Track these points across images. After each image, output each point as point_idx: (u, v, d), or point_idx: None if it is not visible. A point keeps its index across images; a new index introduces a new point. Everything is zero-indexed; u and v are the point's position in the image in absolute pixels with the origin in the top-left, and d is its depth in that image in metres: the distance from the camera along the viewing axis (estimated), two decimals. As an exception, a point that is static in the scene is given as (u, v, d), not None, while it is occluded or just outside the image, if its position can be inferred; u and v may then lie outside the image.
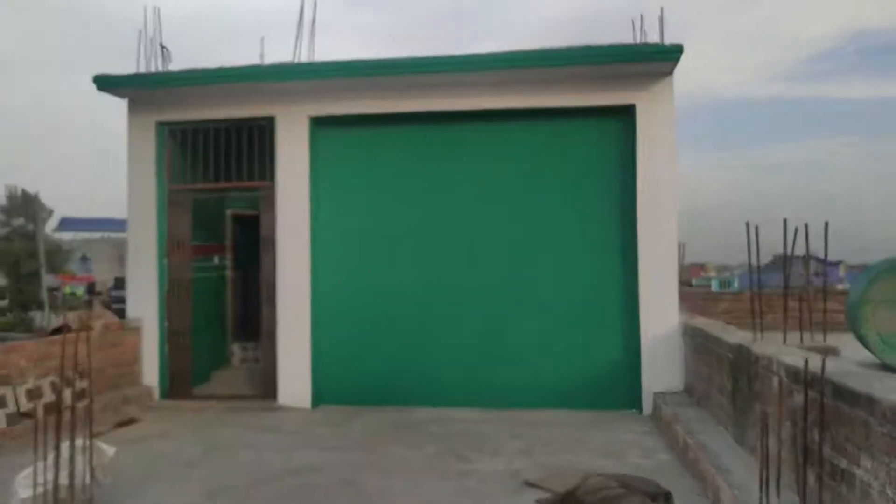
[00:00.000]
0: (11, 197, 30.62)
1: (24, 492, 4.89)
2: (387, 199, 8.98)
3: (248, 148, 9.11)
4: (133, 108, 9.23)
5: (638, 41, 8.11)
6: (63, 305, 15.84)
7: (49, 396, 7.50)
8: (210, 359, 10.55)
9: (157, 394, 9.18)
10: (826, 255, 8.97)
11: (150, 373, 9.20)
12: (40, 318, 17.31)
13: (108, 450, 5.75)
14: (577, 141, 8.67)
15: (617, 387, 8.44)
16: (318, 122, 8.99)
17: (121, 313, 9.56)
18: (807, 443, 4.16)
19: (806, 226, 7.57)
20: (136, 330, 9.14)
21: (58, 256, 34.36)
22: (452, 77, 8.39)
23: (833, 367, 4.24)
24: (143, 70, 9.00)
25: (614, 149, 8.57)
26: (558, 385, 8.53)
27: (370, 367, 8.88)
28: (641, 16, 8.26)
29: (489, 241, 8.77)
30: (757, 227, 6.17)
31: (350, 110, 8.80)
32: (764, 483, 4.27)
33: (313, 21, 9.29)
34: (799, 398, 4.38)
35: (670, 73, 8.20)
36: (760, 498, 4.29)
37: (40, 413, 7.16)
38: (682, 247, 13.74)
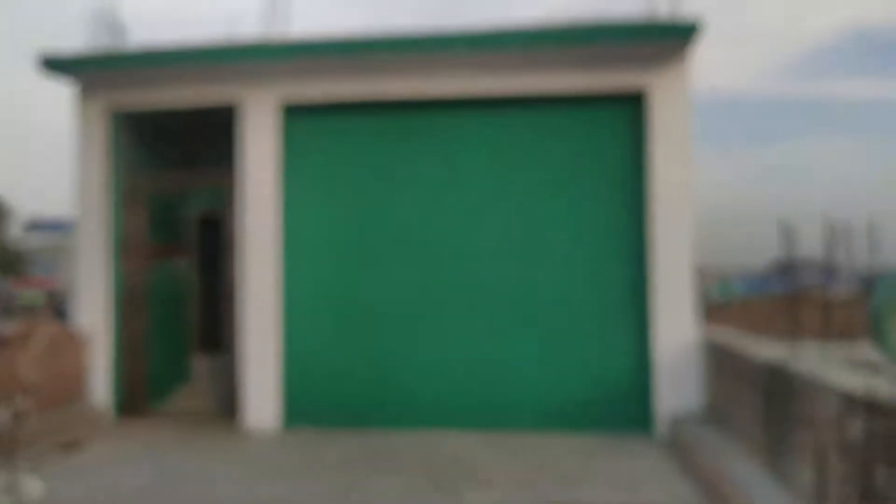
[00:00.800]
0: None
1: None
2: (367, 197, 8.24)
3: (212, 137, 8.40)
4: (83, 94, 8.46)
5: (647, 19, 7.43)
6: (17, 313, 15.05)
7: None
8: (169, 373, 9.78)
9: (109, 411, 8.40)
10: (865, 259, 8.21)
11: (101, 389, 8.41)
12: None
13: (35, 488, 5.01)
14: (581, 131, 7.97)
15: (626, 407, 7.73)
16: (289, 110, 8.24)
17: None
18: (868, 480, 3.48)
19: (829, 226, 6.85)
20: (86, 341, 8.36)
21: (21, 260, 33.47)
22: (440, 57, 7.70)
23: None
24: (94, 52, 8.25)
25: (622, 141, 7.88)
26: (559, 405, 7.81)
27: (347, 384, 8.13)
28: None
29: (482, 243, 8.04)
30: (787, 227, 5.49)
31: (325, 96, 8.06)
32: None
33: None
34: (855, 426, 3.71)
35: (685, 54, 7.53)
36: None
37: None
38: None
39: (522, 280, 7.96)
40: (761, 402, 5.46)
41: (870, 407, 3.55)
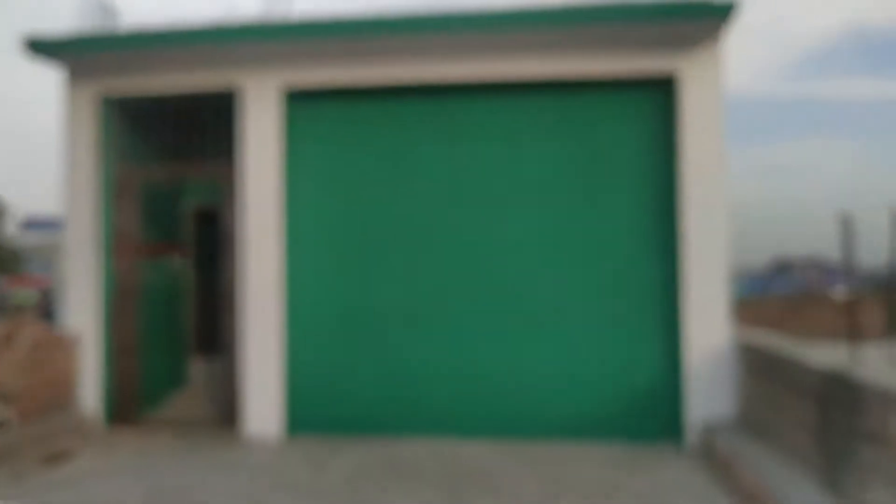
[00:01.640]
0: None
1: None
2: (374, 189, 7.75)
3: (210, 126, 7.91)
4: (71, 79, 7.96)
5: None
6: (6, 313, 14.55)
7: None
8: (164, 377, 9.28)
9: (99, 419, 7.90)
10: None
11: (91, 395, 7.91)
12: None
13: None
14: (605, 119, 7.47)
15: (654, 414, 7.25)
16: (292, 95, 7.74)
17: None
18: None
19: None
20: (75, 345, 7.87)
21: (16, 259, 32.99)
22: (453, 39, 7.19)
23: None
24: (83, 33, 7.74)
25: (649, 129, 7.39)
26: (582, 412, 7.33)
27: (354, 388, 7.64)
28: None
29: (497, 240, 7.55)
30: (848, 221, 5.01)
31: (331, 80, 7.55)
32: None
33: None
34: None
35: (719, 37, 7.05)
36: None
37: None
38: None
39: (542, 279, 7.48)
40: (815, 413, 4.97)
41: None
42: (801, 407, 5.23)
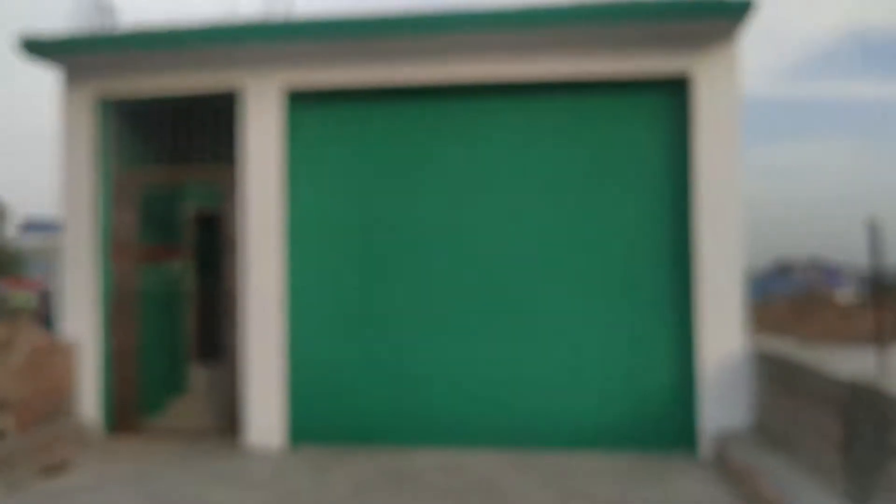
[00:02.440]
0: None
1: None
2: (380, 192, 7.53)
3: (210, 128, 7.70)
4: (69, 79, 7.74)
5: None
6: (8, 315, 14.35)
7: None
8: (164, 384, 9.06)
9: (98, 428, 7.69)
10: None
11: (89, 403, 7.70)
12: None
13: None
14: (617, 120, 7.25)
15: (666, 423, 7.03)
16: (295, 97, 7.53)
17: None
18: None
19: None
20: (73, 351, 7.66)
21: (16, 261, 32.80)
22: (461, 39, 6.97)
23: None
24: (80, 33, 7.53)
25: (663, 130, 7.17)
26: (592, 421, 7.12)
27: (358, 397, 7.42)
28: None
29: (506, 245, 7.34)
30: (874, 225, 4.80)
31: (334, 81, 7.34)
32: None
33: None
34: None
35: (734, 36, 6.84)
36: None
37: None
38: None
39: (551, 283, 7.26)
40: (839, 425, 4.76)
41: None
42: (823, 418, 5.02)
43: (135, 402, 7.89)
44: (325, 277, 7.54)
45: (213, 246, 8.60)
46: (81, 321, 7.72)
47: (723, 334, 6.83)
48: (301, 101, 7.56)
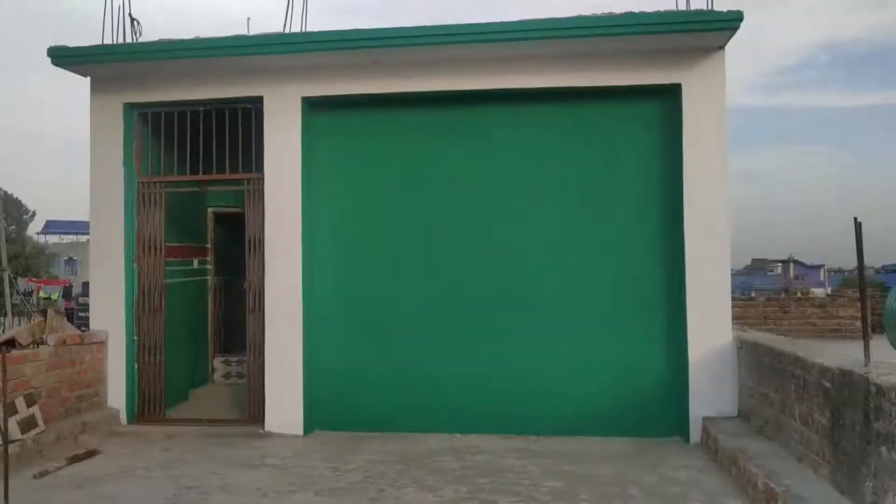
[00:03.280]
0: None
1: None
2: (391, 194, 7.58)
3: (231, 134, 7.70)
4: (97, 88, 7.76)
5: (687, 8, 6.73)
6: (34, 311, 14.35)
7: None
8: (187, 376, 9.10)
9: (124, 418, 7.71)
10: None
11: (117, 394, 7.73)
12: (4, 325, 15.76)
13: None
14: (612, 127, 7.31)
15: (659, 410, 7.08)
16: (312, 105, 7.57)
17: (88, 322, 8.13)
18: None
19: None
20: (100, 344, 7.67)
21: (41, 259, 32.79)
22: (468, 51, 7.01)
23: None
24: (108, 45, 7.53)
25: (655, 136, 7.23)
26: (590, 409, 7.16)
27: (372, 386, 7.47)
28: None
29: (510, 243, 7.39)
30: (858, 225, 4.82)
31: (350, 90, 7.38)
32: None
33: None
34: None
35: (723, 46, 6.87)
36: None
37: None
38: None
39: (551, 281, 7.32)
40: (827, 413, 4.79)
41: None
42: (810, 406, 5.06)
43: (160, 393, 7.91)
44: (341, 275, 7.59)
45: (236, 245, 8.60)
46: (109, 316, 7.74)
47: (712, 328, 6.88)
48: (321, 109, 7.61)
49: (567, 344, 7.25)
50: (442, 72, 7.19)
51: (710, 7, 6.62)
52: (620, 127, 7.31)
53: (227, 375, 10.09)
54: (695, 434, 6.82)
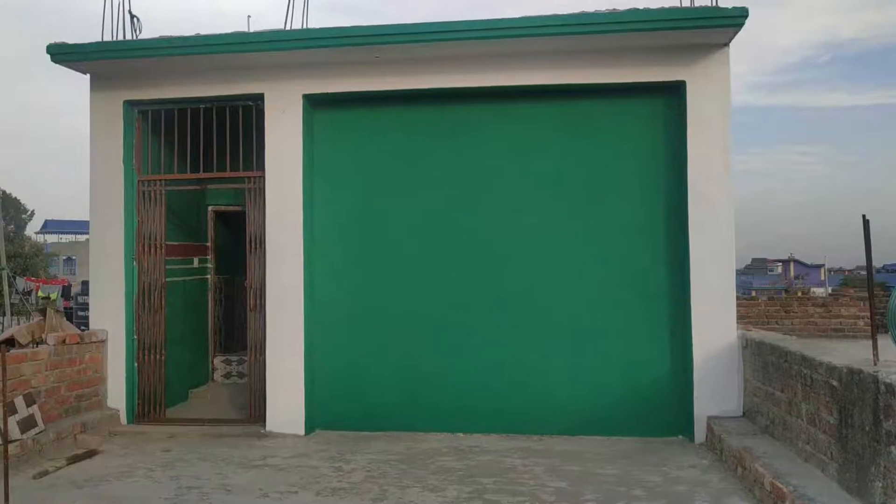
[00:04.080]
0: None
1: None
2: (392, 192, 7.52)
3: (231, 132, 7.65)
4: (96, 85, 7.71)
5: (691, 4, 6.68)
6: (33, 310, 14.28)
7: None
8: (188, 375, 9.03)
9: (124, 418, 7.65)
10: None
11: (116, 394, 7.67)
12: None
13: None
14: (616, 124, 7.26)
15: (663, 410, 7.03)
16: (313, 102, 7.52)
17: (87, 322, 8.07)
18: None
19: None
20: (100, 344, 7.61)
21: (39, 259, 32.70)
22: (471, 48, 6.95)
23: None
24: (108, 42, 7.47)
25: (659, 134, 7.18)
26: (593, 409, 7.11)
27: (374, 385, 7.41)
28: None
29: (512, 241, 7.34)
30: (867, 223, 4.76)
31: (351, 87, 7.32)
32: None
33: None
34: None
35: (727, 43, 6.82)
36: None
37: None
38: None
39: (555, 279, 7.27)
40: (835, 412, 4.74)
41: None
42: (818, 405, 5.00)
43: (160, 393, 7.85)
44: (341, 274, 7.54)
45: (237, 243, 8.55)
46: (109, 315, 7.69)
47: (716, 326, 6.83)
48: (322, 106, 7.56)
49: (570, 343, 7.20)
50: (444, 69, 7.14)
51: (714, 3, 6.57)
52: (623, 125, 7.26)
53: (227, 375, 10.03)
54: (699, 433, 6.77)
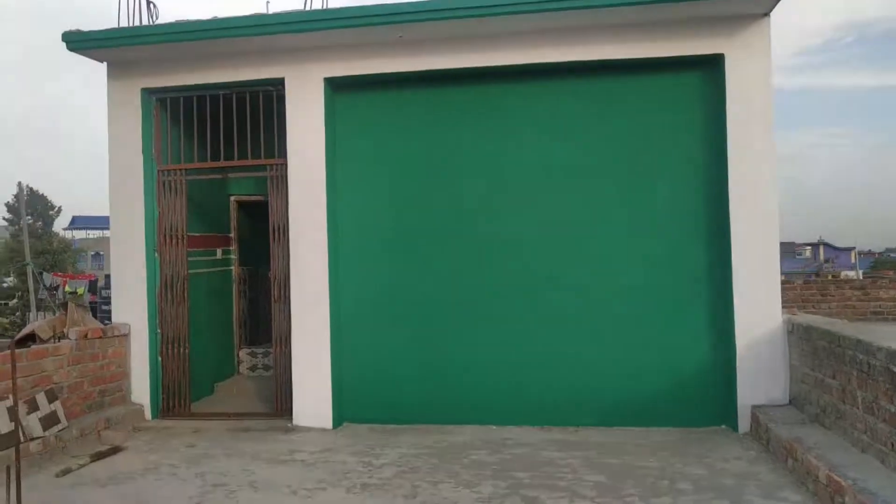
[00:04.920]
0: (19, 195, 29.20)
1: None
2: (419, 178, 7.26)
3: (252, 118, 7.44)
4: (113, 73, 7.53)
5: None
6: (65, 301, 14.26)
7: (6, 426, 5.73)
8: (213, 369, 8.88)
9: (148, 413, 7.50)
10: None
11: (140, 388, 7.52)
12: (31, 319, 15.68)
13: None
14: (652, 101, 6.93)
15: (704, 398, 6.73)
16: (335, 85, 7.28)
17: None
18: None
19: None
20: (122, 338, 7.46)
21: (67, 255, 32.98)
22: (498, 24, 6.63)
23: None
24: (123, 28, 7.28)
25: (696, 110, 6.84)
26: (630, 398, 6.83)
27: (402, 376, 7.19)
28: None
29: (544, 226, 7.05)
30: None
31: (374, 69, 7.05)
32: None
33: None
34: None
35: (768, 13, 6.48)
36: None
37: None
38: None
39: (589, 264, 6.97)
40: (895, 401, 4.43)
41: None
42: (877, 392, 4.69)
43: (185, 387, 7.69)
44: (367, 263, 7.33)
45: (260, 233, 8.36)
46: (131, 308, 7.53)
47: (760, 310, 6.51)
48: (345, 90, 7.33)
49: (605, 331, 6.91)
50: (472, 47, 6.86)
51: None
52: (658, 101, 6.93)
53: (253, 368, 9.87)
54: (743, 423, 6.46)
